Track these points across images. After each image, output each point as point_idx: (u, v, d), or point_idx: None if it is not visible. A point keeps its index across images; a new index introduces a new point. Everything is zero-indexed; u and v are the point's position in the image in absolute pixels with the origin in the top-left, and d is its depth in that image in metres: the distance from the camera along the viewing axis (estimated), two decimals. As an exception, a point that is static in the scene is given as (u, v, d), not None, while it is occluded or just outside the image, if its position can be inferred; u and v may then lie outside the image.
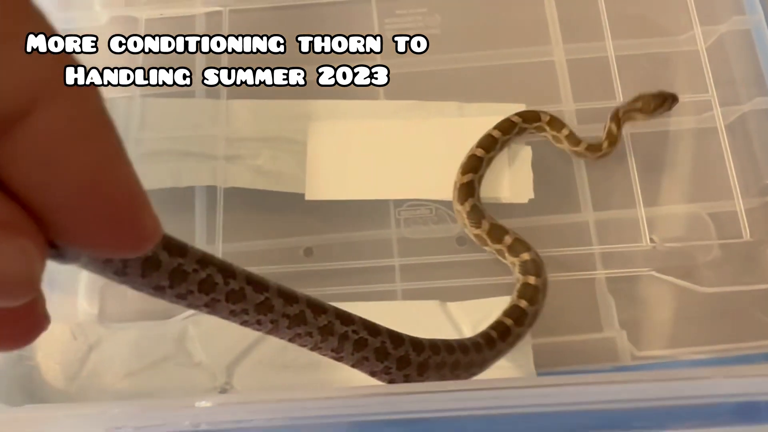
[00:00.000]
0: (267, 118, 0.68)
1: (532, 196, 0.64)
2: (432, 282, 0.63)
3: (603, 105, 0.67)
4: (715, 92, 0.67)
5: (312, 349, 0.42)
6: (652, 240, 0.63)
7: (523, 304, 0.58)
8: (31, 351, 0.61)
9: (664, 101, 0.65)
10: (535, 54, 0.70)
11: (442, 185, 0.64)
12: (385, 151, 0.66)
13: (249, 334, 0.60)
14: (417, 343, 0.46)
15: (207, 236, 0.66)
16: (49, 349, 0.61)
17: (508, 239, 0.61)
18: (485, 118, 0.66)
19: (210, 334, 0.61)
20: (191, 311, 0.62)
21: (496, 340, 0.54)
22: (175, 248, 0.32)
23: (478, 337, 0.54)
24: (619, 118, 0.64)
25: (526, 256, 0.60)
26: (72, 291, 0.65)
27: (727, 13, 0.70)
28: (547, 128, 0.65)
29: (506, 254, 0.61)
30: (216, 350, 0.61)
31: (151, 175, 0.66)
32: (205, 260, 0.34)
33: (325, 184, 0.65)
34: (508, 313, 0.57)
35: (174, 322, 0.62)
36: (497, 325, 0.56)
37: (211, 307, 0.36)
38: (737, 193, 0.64)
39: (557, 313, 0.62)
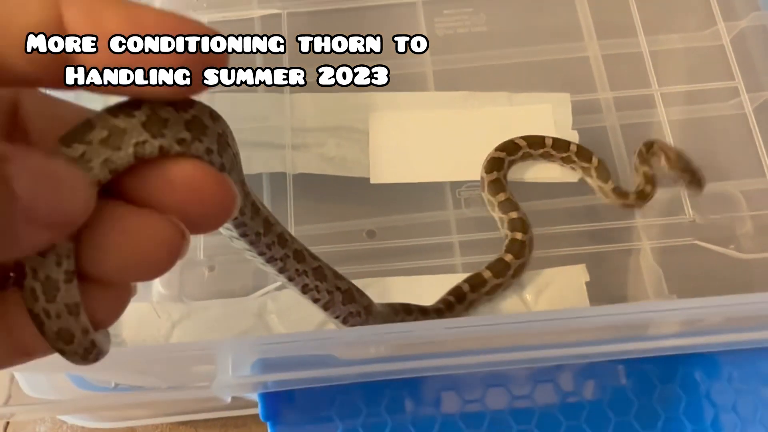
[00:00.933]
0: (329, 110, 0.72)
1: (581, 175, 0.69)
2: (491, 255, 0.68)
3: (638, 93, 0.73)
4: (741, 80, 0.74)
5: None
6: (692, 214, 0.69)
7: (509, 257, 0.64)
8: (117, 329, 0.65)
9: (692, 176, 0.65)
10: (573, 50, 0.76)
11: (497, 168, 0.69)
12: (442, 138, 0.71)
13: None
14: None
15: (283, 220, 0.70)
16: (134, 327, 0.65)
17: (501, 196, 0.67)
18: (533, 106, 0.72)
19: (287, 308, 0.65)
20: (268, 288, 0.67)
21: (467, 292, 0.63)
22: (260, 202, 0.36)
23: (450, 295, 0.62)
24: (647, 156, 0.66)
25: (514, 214, 0.65)
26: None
27: (746, 10, 0.76)
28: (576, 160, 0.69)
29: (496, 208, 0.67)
30: (294, 323, 0.64)
31: (223, 163, 0.70)
32: (274, 218, 0.38)
33: (388, 168, 0.70)
34: (489, 266, 0.64)
35: (253, 299, 0.66)
36: (472, 278, 0.64)
37: (284, 262, 0.39)
38: (768, 170, 0.70)
39: (608, 283, 0.67)
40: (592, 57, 0.76)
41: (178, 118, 0.22)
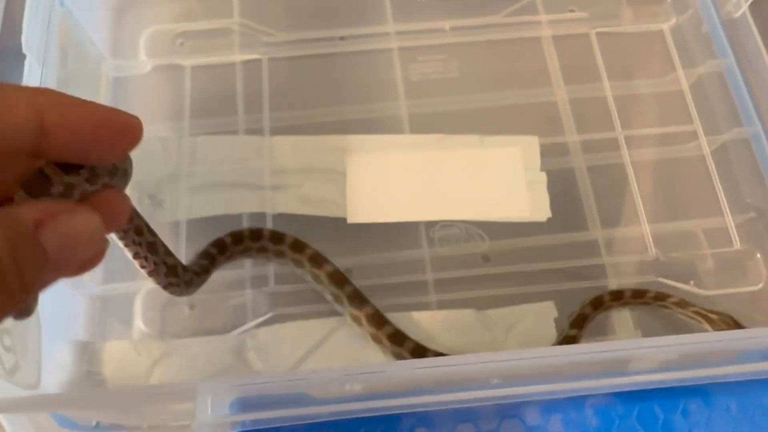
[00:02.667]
0: (307, 152, 0.75)
1: (549, 215, 0.72)
2: (463, 293, 0.70)
3: (603, 136, 0.77)
4: (700, 124, 0.78)
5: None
6: (656, 253, 0.72)
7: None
8: (98, 366, 0.66)
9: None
10: (541, 94, 0.80)
11: (470, 207, 0.72)
12: (416, 179, 0.74)
13: (303, 343, 0.66)
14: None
15: (255, 260, 0.72)
16: (115, 365, 0.66)
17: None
18: (503, 148, 0.75)
19: (266, 346, 0.66)
20: (247, 326, 0.68)
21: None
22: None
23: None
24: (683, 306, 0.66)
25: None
26: (128, 315, 0.70)
27: (703, 57, 0.81)
28: None
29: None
30: (273, 360, 0.66)
31: (205, 204, 0.72)
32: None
33: (365, 208, 0.72)
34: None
35: (232, 337, 0.67)
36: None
37: (124, 232, 0.48)
38: (726, 210, 0.73)
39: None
40: (560, 101, 0.80)
41: (104, 170, 0.32)
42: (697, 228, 0.74)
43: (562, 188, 0.75)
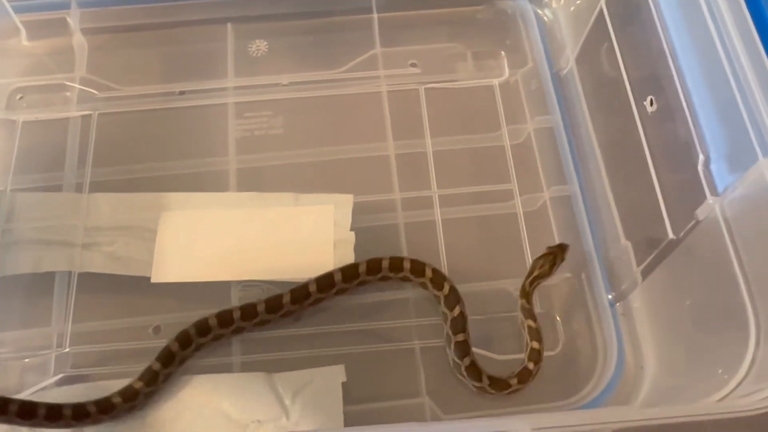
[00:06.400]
0: (124, 209, 0.76)
1: (353, 275, 0.72)
2: (265, 354, 0.70)
3: (420, 194, 0.77)
4: (517, 183, 0.78)
5: None
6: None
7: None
8: None
9: (556, 256, 0.70)
10: (364, 150, 0.80)
11: (277, 267, 0.73)
12: (226, 238, 0.74)
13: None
14: None
15: (65, 317, 0.72)
16: None
17: None
18: (317, 206, 0.75)
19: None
20: (42, 384, 0.68)
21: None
22: None
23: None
24: (527, 292, 0.69)
25: None
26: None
27: (533, 113, 0.81)
28: None
29: None
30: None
31: (14, 262, 0.73)
32: None
33: (172, 267, 0.73)
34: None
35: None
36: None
37: None
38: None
39: (377, 382, 0.69)
40: (390, 156, 0.80)
41: None
42: (510, 287, 0.73)
43: (380, 245, 0.75)
